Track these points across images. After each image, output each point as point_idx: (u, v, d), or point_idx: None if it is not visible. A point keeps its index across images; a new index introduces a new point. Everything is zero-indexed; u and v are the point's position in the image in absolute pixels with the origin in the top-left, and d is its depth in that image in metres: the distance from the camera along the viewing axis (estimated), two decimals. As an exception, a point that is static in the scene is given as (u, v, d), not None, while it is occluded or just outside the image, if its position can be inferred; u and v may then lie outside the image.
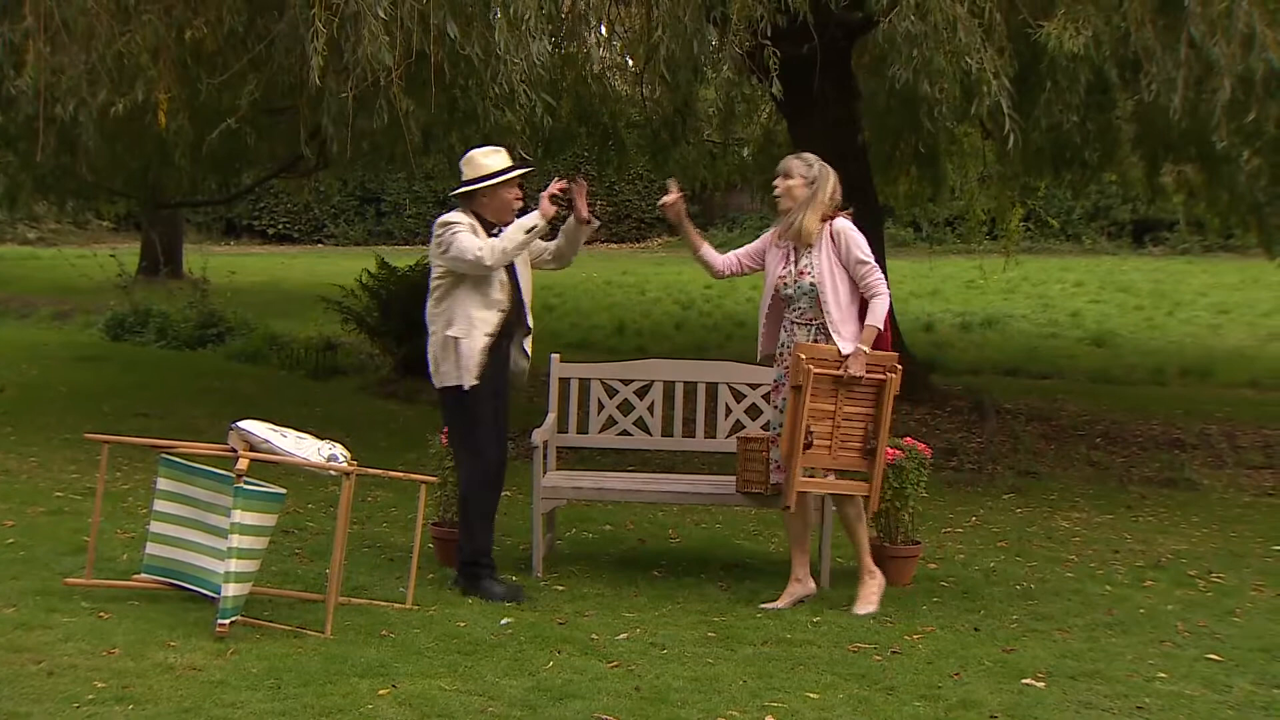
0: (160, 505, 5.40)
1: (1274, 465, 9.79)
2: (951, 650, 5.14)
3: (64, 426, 9.41)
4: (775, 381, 5.86)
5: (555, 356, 6.65)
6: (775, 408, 5.85)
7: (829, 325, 5.61)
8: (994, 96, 6.87)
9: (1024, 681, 4.79)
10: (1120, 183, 14.76)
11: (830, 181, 5.72)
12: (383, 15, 6.34)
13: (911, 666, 4.92)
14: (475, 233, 5.64)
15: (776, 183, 5.79)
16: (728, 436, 6.50)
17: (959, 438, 10.23)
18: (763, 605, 5.69)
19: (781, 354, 5.80)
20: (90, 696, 4.23)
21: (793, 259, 5.74)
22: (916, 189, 13.70)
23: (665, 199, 5.89)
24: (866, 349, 5.60)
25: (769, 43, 7.10)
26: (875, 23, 8.07)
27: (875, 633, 5.36)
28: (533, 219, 5.66)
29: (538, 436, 6.21)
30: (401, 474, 5.85)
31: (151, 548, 5.42)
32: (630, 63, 11.93)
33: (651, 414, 6.63)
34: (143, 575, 5.46)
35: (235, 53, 7.29)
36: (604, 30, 9.70)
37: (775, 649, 5.08)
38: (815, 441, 5.56)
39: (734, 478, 6.22)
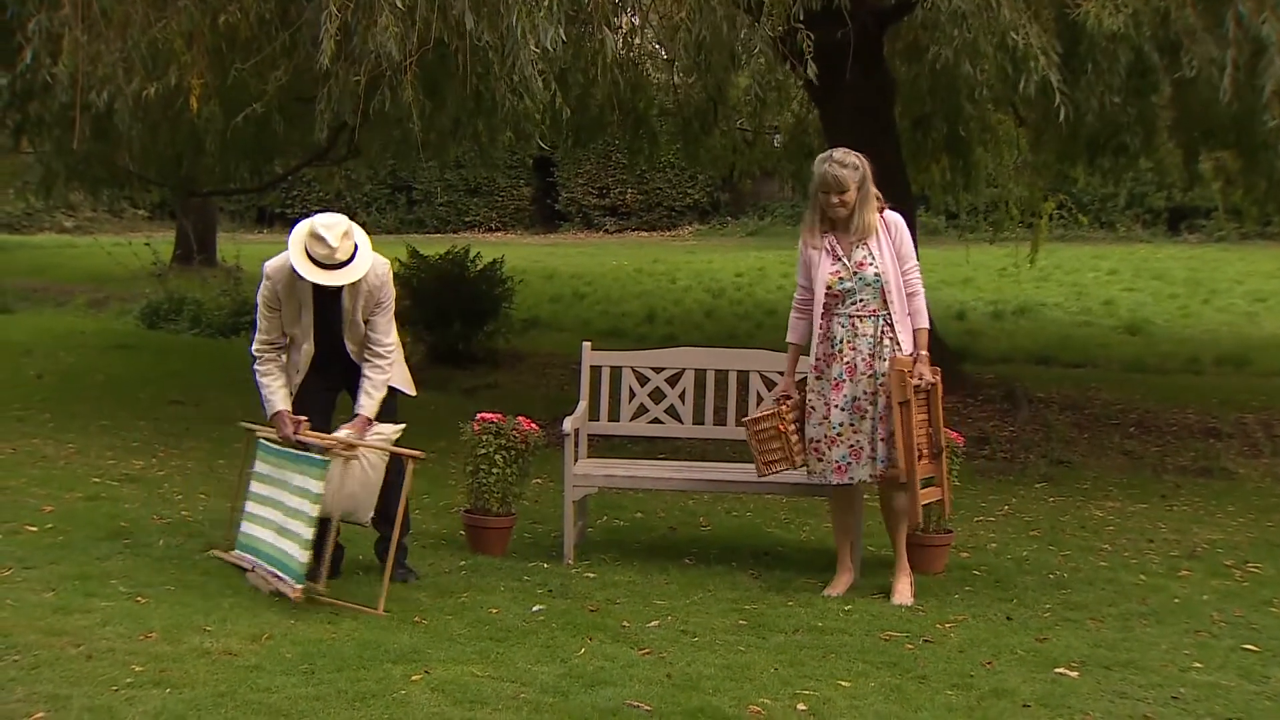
0: (254, 487, 5.52)
1: (1311, 455, 9.69)
2: (984, 639, 5.12)
3: (100, 414, 9.50)
4: (836, 380, 5.66)
5: (586, 344, 6.65)
6: (837, 407, 5.66)
7: (893, 317, 5.60)
8: (1042, 72, 6.76)
9: (1057, 671, 4.76)
10: (1156, 169, 14.61)
11: (869, 171, 5.67)
12: (399, 5, 6.30)
13: (943, 655, 4.90)
14: (277, 295, 5.76)
15: (834, 199, 5.61)
16: (759, 424, 6.48)
17: (991, 426, 10.17)
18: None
19: (839, 351, 5.66)
20: (128, 680, 4.27)
21: (842, 254, 5.68)
22: (950, 177, 13.61)
23: None
24: (924, 353, 5.61)
25: (802, 26, 7.05)
26: (911, 6, 7.99)
27: (907, 621, 5.34)
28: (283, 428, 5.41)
29: (569, 424, 6.22)
30: (402, 450, 5.74)
31: (245, 527, 5.55)
32: (663, 51, 11.89)
33: (683, 402, 6.61)
34: (237, 552, 5.59)
35: (268, 39, 7.31)
36: (636, 19, 9.64)
37: (807, 637, 5.07)
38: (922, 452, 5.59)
39: (764, 466, 6.19)
